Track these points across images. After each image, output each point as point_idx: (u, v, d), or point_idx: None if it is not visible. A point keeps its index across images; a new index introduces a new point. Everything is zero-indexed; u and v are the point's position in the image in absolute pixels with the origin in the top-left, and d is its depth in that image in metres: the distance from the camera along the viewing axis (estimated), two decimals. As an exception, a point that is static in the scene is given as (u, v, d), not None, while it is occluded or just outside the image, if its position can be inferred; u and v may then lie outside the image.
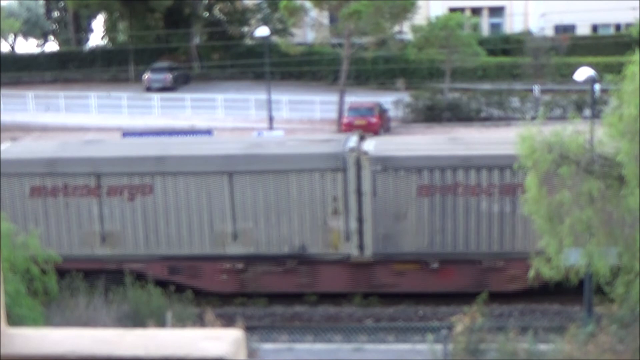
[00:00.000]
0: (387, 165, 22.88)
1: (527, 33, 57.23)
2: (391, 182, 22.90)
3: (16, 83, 57.68)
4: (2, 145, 25.98)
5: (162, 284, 24.25)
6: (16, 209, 23.95)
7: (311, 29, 53.97)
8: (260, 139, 29.68)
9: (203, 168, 23.50)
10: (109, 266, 24.01)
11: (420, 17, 49.15)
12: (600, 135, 16.28)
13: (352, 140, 24.49)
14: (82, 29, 70.50)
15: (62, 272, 23.67)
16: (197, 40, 63.44)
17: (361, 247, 23.32)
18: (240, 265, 23.84)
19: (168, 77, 55.36)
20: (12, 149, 25.54)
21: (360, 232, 23.23)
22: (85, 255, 24.03)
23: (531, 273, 16.57)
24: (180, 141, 30.74)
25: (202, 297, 24.06)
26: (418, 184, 22.77)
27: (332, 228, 23.29)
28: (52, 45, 72.48)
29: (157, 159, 23.80)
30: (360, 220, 23.18)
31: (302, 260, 23.67)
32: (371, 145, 24.04)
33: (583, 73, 21.83)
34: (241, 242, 23.65)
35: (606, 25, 61.79)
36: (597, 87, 24.96)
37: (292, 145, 24.97)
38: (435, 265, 23.24)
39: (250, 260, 23.82)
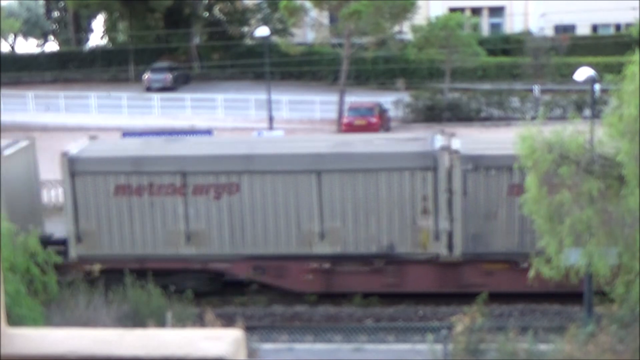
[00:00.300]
0: (478, 164, 22.60)
1: (527, 33, 57.23)
2: (482, 181, 22.64)
3: (16, 83, 57.66)
4: (81, 143, 25.79)
5: (245, 283, 24.35)
6: (100, 208, 23.81)
7: (311, 29, 53.96)
8: (346, 138, 29.27)
9: (291, 167, 23.27)
10: (193, 266, 23.91)
11: (420, 17, 49.16)
12: (600, 135, 16.28)
13: (439, 138, 24.21)
14: (82, 29, 70.50)
15: (145, 272, 23.60)
16: (197, 40, 63.44)
17: (450, 246, 23.04)
18: (326, 265, 23.58)
19: (168, 77, 55.37)
20: (93, 147, 25.27)
21: (450, 232, 23.00)
22: (170, 255, 23.90)
23: (531, 273, 16.59)
24: (268, 139, 30.49)
25: (290, 296, 24.12)
26: (509, 183, 22.45)
27: (422, 227, 23.06)
28: (52, 45, 72.50)
29: (244, 158, 23.57)
30: (450, 219, 22.99)
31: (389, 260, 23.41)
32: (457, 143, 23.78)
33: (583, 73, 21.82)
34: (328, 241, 23.40)
35: (606, 25, 61.79)
36: (597, 87, 24.96)
37: (380, 144, 24.64)
38: (525, 265, 22.96)
39: (337, 259, 23.56)
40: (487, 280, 23.05)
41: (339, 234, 23.38)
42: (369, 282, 23.65)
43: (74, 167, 23.77)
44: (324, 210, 23.28)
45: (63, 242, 25.96)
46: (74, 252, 24.10)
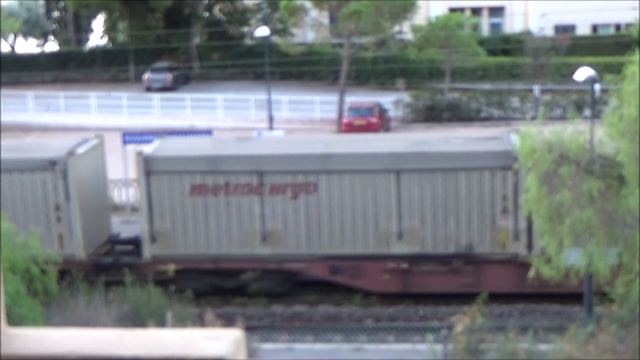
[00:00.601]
0: None
1: (527, 33, 57.24)
2: None
3: (16, 83, 57.68)
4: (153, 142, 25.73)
5: (321, 283, 24.20)
6: (175, 208, 23.66)
7: (311, 29, 53.97)
8: (423, 137, 29.07)
9: (370, 166, 23.10)
10: (268, 266, 23.76)
11: (420, 17, 49.16)
12: (600, 135, 16.28)
13: (515, 137, 24.13)
14: (82, 29, 70.51)
15: (220, 272, 23.72)
16: (197, 40, 63.45)
17: (530, 246, 22.82)
18: (404, 265, 23.38)
19: (168, 77, 55.38)
20: (166, 146, 25.11)
21: (530, 231, 22.70)
22: (245, 255, 23.76)
23: (531, 273, 16.61)
24: (345, 138, 30.49)
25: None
26: None
27: (501, 227, 22.91)
28: (52, 45, 72.51)
29: (322, 157, 23.40)
30: (530, 219, 22.81)
31: (468, 259, 23.24)
32: None
33: (583, 73, 21.81)
34: (406, 241, 23.24)
35: (606, 25, 61.80)
36: (597, 87, 24.95)
37: (457, 143, 24.46)
38: None
39: (415, 259, 23.36)
40: (566, 281, 22.84)
41: (417, 234, 23.19)
42: (447, 282, 23.44)
43: (149, 167, 23.59)
44: (403, 209, 23.10)
45: (130, 242, 26.00)
46: (148, 252, 23.97)
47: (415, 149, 23.68)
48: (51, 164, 23.87)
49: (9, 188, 23.82)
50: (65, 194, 23.85)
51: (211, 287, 24.06)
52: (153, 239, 23.88)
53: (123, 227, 27.82)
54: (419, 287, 23.58)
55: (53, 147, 25.65)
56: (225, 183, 23.48)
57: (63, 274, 23.54)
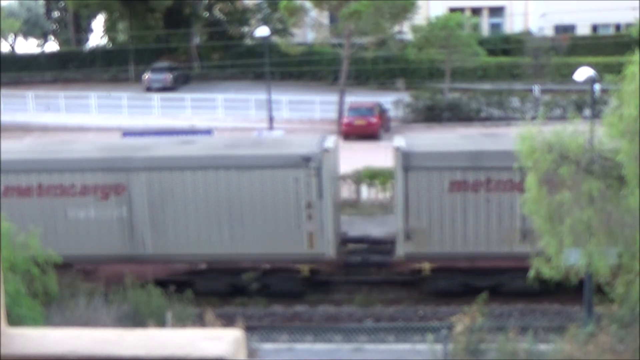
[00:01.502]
0: None
1: (527, 33, 57.28)
2: None
3: (16, 83, 57.69)
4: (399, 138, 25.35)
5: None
6: (432, 204, 23.20)
7: (311, 29, 53.99)
8: None
9: None
10: (526, 264, 23.52)
11: (420, 17, 49.18)
12: (600, 135, 16.28)
13: None
14: (82, 29, 70.52)
15: (475, 271, 23.43)
16: (197, 40, 63.46)
17: None
18: None
19: (168, 77, 55.38)
20: (417, 142, 24.71)
21: None
22: (503, 253, 23.22)
23: (531, 273, 16.62)
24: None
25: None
26: None
27: None
28: (52, 45, 72.53)
29: None
30: None
31: None
32: None
33: (583, 73, 21.81)
34: None
35: (606, 25, 61.83)
36: (597, 87, 24.94)
37: None
38: None
39: None
40: None
41: None
42: None
43: (408, 162, 23.13)
44: None
45: (361, 240, 25.96)
46: (401, 250, 23.54)
47: None
48: (305, 161, 23.23)
49: (259, 185, 23.36)
50: (317, 191, 23.25)
51: (464, 287, 23.63)
52: (407, 236, 23.39)
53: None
54: None
55: (301, 143, 25.12)
56: (486, 179, 22.99)
57: (313, 273, 23.80)
